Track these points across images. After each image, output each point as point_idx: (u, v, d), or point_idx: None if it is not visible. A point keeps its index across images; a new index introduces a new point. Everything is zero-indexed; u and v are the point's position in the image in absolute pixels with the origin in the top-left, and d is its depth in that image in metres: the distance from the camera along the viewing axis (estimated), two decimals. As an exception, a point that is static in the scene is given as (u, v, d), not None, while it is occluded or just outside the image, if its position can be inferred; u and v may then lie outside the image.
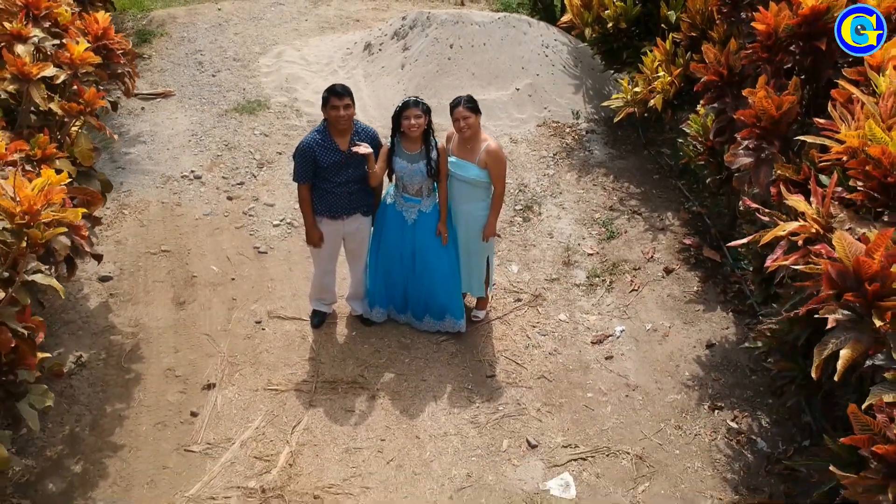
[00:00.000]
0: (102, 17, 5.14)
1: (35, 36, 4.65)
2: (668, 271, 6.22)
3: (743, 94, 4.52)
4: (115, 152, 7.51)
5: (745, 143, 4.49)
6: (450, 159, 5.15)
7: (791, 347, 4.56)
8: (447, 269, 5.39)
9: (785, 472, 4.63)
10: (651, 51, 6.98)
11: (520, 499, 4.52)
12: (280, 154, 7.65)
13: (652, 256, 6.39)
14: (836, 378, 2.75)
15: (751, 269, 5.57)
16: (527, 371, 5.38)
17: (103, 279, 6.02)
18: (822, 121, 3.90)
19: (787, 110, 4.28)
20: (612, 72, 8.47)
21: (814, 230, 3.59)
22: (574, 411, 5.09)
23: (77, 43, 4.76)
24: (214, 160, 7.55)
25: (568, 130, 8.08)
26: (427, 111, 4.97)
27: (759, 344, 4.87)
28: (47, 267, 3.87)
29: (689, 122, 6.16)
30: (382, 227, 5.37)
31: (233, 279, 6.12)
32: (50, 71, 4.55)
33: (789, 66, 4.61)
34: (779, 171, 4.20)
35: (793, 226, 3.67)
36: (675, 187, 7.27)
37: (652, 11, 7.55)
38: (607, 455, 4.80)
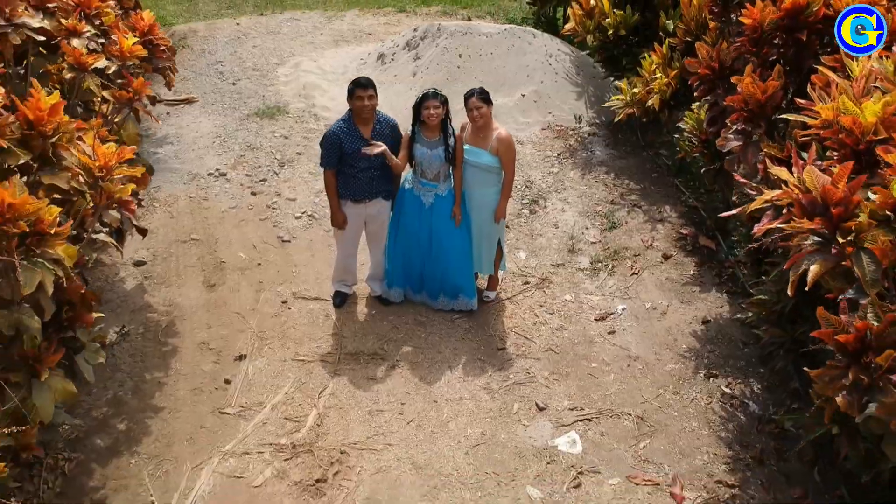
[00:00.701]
0: (148, 15, 5.63)
1: (88, 31, 5.12)
2: (666, 257, 6.63)
3: (731, 81, 4.98)
4: (144, 152, 7.94)
5: (735, 126, 4.93)
6: (464, 147, 5.59)
7: (779, 316, 4.98)
8: (461, 251, 5.81)
9: (776, 432, 5.00)
10: (649, 55, 7.45)
11: (530, 453, 4.89)
12: (300, 154, 8.11)
13: (651, 244, 6.81)
14: (806, 289, 3.16)
15: (743, 253, 6.02)
16: (535, 345, 5.77)
17: (138, 264, 6.45)
18: (802, 101, 4.34)
19: (772, 94, 4.72)
20: (612, 79, 8.95)
21: (795, 195, 4.00)
22: (579, 379, 5.47)
23: (126, 38, 5.23)
24: (238, 160, 8.00)
25: (571, 133, 8.54)
26: (445, 102, 5.43)
27: (751, 314, 5.30)
28: (106, 230, 4.30)
29: (685, 118, 6.62)
30: (401, 211, 5.80)
31: (259, 265, 6.54)
32: (102, 62, 5.02)
33: (774, 58, 5.06)
34: (765, 150, 4.63)
35: (776, 192, 4.09)
36: (672, 184, 7.70)
37: (650, 20, 8.05)
38: (610, 416, 5.18)
